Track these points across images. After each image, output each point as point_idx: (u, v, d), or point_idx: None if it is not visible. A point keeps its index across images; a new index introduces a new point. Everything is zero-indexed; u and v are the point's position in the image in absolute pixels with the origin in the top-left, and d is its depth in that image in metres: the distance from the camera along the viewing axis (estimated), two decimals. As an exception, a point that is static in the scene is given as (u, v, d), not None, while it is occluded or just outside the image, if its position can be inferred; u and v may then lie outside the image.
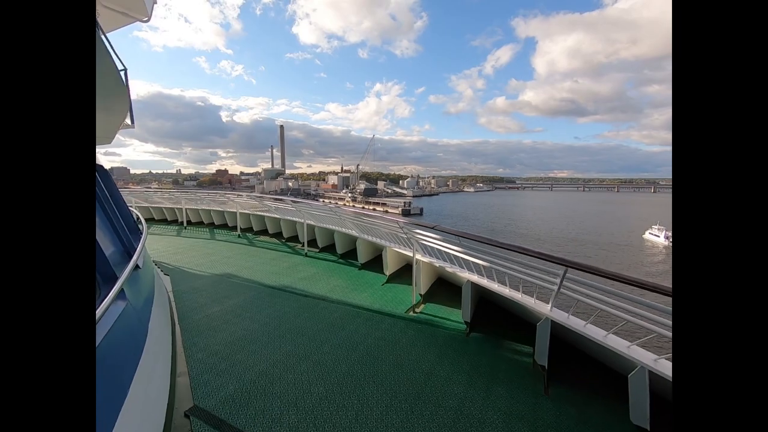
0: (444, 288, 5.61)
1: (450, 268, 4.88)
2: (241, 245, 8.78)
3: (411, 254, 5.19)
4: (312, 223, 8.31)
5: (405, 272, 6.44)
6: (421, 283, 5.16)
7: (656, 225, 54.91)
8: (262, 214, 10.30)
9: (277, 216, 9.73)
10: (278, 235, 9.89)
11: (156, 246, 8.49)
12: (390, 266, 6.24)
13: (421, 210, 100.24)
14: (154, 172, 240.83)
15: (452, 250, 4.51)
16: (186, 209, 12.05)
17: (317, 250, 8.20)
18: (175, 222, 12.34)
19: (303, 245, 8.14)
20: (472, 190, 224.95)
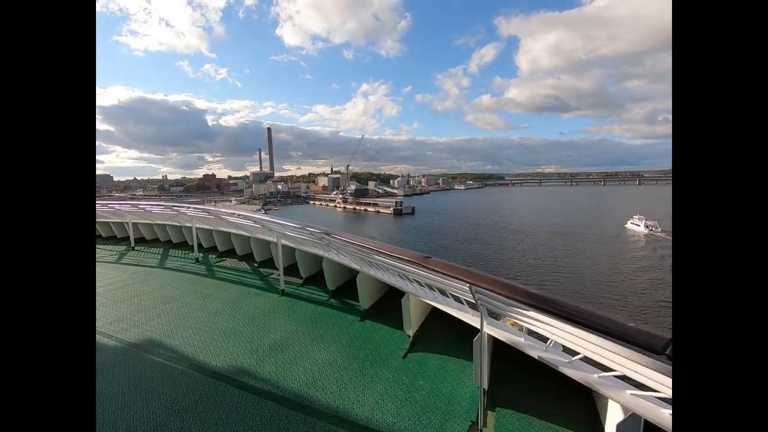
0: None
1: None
2: (197, 276, 6.57)
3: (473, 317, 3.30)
4: (290, 244, 6.06)
5: (433, 325, 4.47)
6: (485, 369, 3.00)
7: (636, 215, 58.21)
8: (227, 230, 7.79)
9: (246, 234, 7.29)
10: (249, 257, 7.57)
11: None
12: (414, 321, 4.16)
13: (413, 209, 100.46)
14: (138, 178, 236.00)
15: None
16: (132, 223, 9.04)
17: (299, 283, 6.08)
18: (124, 240, 9.44)
19: (279, 275, 5.93)
20: (462, 187, 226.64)
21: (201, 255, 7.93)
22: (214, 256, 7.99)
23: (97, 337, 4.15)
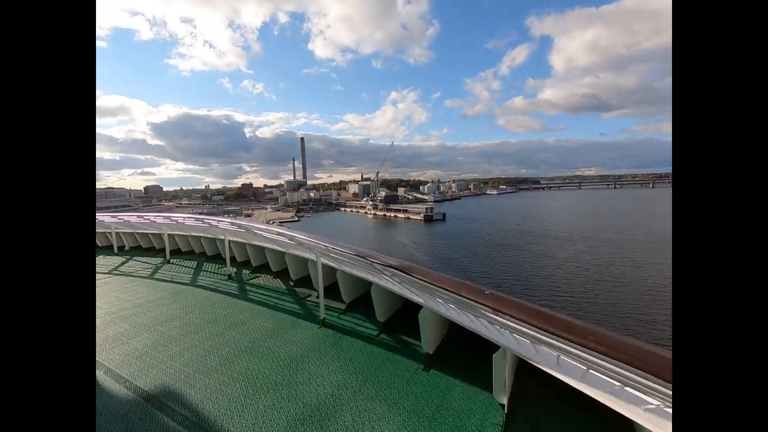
0: None
1: None
2: (229, 296, 5.97)
3: None
4: (331, 264, 5.17)
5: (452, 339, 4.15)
6: None
7: None
8: (261, 244, 7.22)
9: (280, 249, 6.64)
10: (284, 273, 6.88)
11: (109, 298, 5.97)
12: (433, 336, 3.92)
13: (444, 215, 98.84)
14: (184, 188, 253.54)
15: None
16: (168, 235, 8.97)
17: (341, 309, 5.10)
18: (161, 252, 9.20)
19: (318, 298, 5.05)
20: (495, 192, 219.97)
21: (234, 270, 7.45)
22: (247, 271, 7.50)
23: (108, 380, 3.59)
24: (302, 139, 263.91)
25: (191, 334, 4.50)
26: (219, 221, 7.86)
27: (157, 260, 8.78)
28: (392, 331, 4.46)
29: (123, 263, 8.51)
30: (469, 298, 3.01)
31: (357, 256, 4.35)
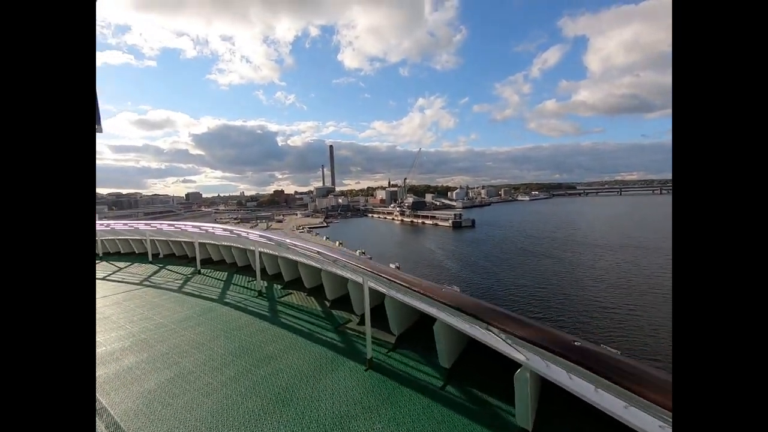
0: None
1: None
2: (257, 318, 5.23)
3: None
4: (379, 288, 4.21)
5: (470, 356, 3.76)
6: None
7: None
8: (294, 258, 6.49)
9: (315, 265, 5.92)
10: (319, 291, 6.01)
11: (134, 316, 5.48)
12: (449, 352, 3.61)
13: (473, 222, 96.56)
14: (221, 195, 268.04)
15: None
16: (198, 244, 8.61)
17: (391, 343, 4.15)
18: (193, 261, 8.94)
19: (360, 325, 4.56)
20: (527, 198, 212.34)
21: (264, 285, 6.87)
22: (279, 286, 6.90)
23: None
24: (331, 146, 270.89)
25: (214, 372, 3.73)
26: (249, 233, 7.47)
27: (188, 270, 8.53)
28: (461, 381, 3.40)
29: (155, 273, 8.59)
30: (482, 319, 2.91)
31: (408, 281, 3.66)
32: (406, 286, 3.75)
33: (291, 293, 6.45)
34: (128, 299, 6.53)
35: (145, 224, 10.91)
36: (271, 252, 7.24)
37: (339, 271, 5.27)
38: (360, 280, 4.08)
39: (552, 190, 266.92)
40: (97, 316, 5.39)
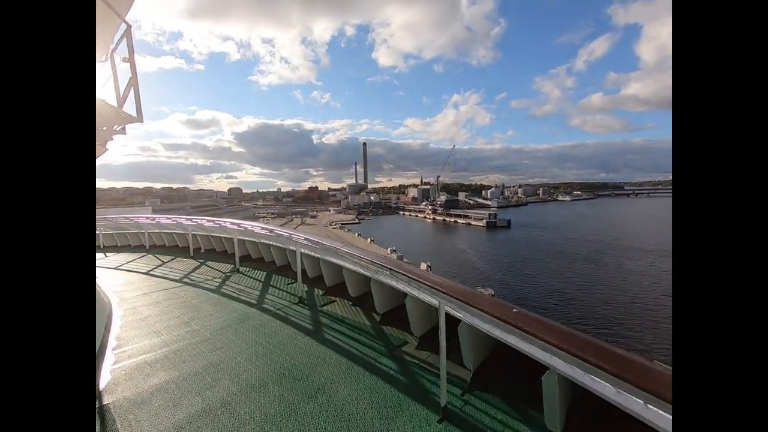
0: None
1: None
2: (299, 333, 4.63)
3: None
4: (457, 313, 3.33)
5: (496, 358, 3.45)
6: None
7: None
8: (339, 263, 5.81)
9: (364, 273, 5.13)
10: (365, 301, 5.32)
11: (170, 320, 5.08)
12: (475, 353, 3.27)
13: (509, 222, 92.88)
14: (260, 191, 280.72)
15: None
16: (237, 240, 8.37)
17: (465, 381, 3.34)
18: (232, 258, 8.68)
19: (416, 349, 3.96)
20: (568, 198, 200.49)
21: (305, 290, 6.22)
22: (320, 292, 6.22)
23: None
24: (364, 144, 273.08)
25: (251, 404, 3.09)
26: (291, 234, 6.97)
27: (227, 267, 8.34)
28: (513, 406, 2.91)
29: (195, 269, 8.58)
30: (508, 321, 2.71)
31: (488, 307, 2.86)
32: (483, 310, 2.87)
33: (334, 300, 5.81)
34: (168, 298, 6.41)
35: (187, 219, 11.12)
36: (313, 254, 6.61)
37: (394, 283, 4.44)
38: (435, 303, 3.17)
39: (596, 190, 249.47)
40: (137, 316, 5.37)
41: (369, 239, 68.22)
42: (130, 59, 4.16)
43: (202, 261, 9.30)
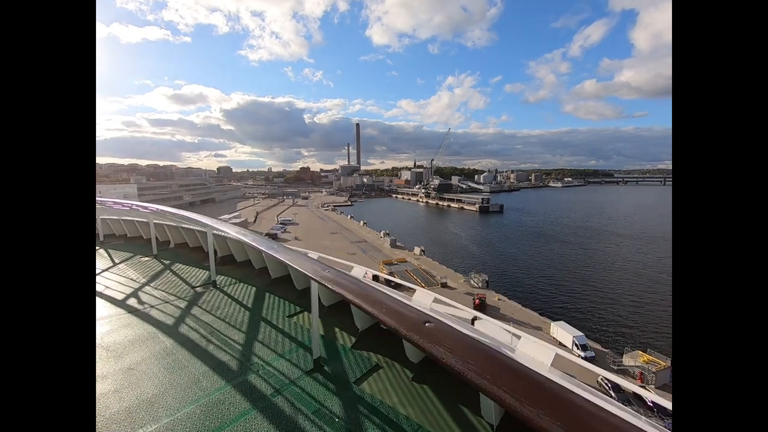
0: None
1: None
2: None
3: None
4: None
5: None
6: None
7: None
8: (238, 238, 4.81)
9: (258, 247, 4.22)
10: (364, 327, 3.96)
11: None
12: None
13: (501, 207, 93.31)
14: (250, 170, 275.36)
15: None
16: (213, 239, 6.04)
17: None
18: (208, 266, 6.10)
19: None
20: (559, 185, 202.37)
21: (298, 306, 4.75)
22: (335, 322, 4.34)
23: None
24: (358, 125, 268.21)
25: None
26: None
27: (204, 274, 6.17)
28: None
29: (159, 272, 6.74)
30: None
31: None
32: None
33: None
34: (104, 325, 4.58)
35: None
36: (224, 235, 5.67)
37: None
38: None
39: (587, 177, 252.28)
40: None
41: (362, 222, 67.57)
42: None
43: (169, 262, 7.35)
